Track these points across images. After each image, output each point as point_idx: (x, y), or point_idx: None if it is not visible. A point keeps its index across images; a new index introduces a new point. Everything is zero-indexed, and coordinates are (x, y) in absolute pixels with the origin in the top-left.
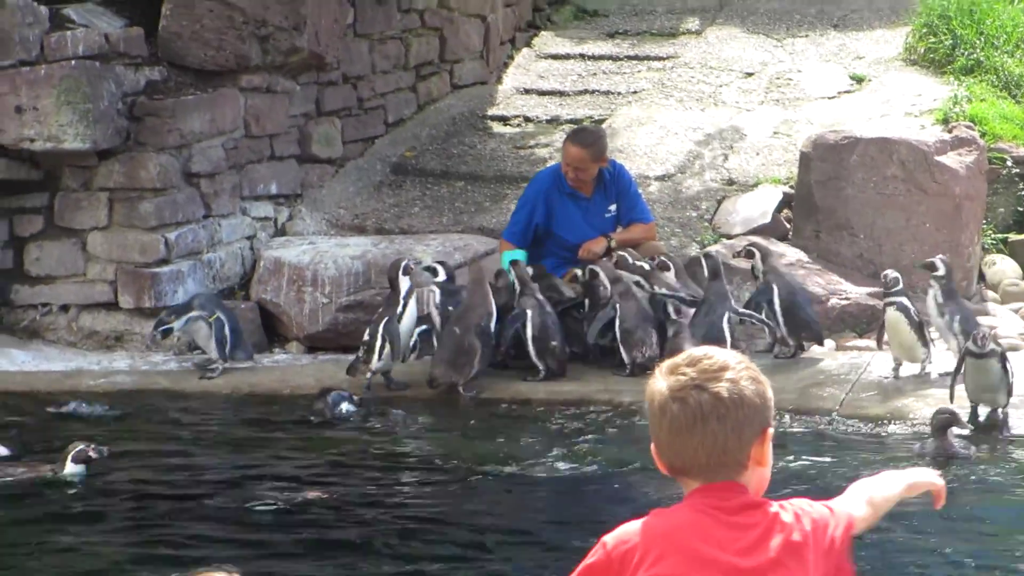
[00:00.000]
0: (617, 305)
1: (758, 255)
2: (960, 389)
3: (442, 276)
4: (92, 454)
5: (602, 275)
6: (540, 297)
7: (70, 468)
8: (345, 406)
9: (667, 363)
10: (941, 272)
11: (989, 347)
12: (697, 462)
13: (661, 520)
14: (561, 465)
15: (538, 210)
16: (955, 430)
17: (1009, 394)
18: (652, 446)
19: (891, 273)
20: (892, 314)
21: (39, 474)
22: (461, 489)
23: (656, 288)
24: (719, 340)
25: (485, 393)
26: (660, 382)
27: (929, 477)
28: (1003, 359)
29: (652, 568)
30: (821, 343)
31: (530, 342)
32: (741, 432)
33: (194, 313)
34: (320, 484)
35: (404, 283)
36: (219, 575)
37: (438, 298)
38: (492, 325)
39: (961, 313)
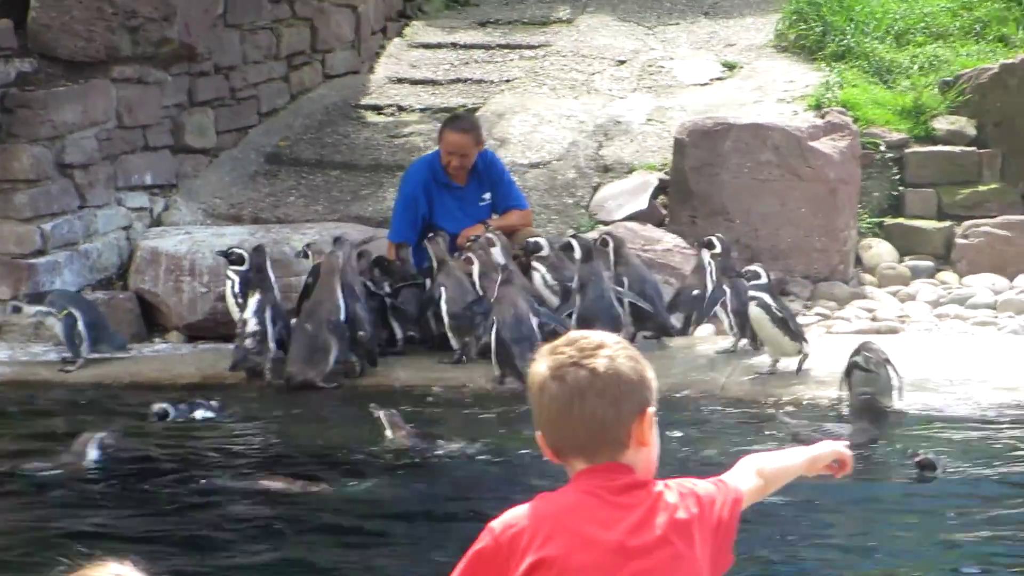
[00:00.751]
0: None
1: (611, 244)
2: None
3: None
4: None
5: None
6: (458, 274)
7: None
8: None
9: (547, 346)
10: (718, 250)
11: (877, 370)
12: (578, 440)
13: (547, 503)
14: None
15: (420, 203)
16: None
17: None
18: (537, 432)
19: (752, 268)
20: (754, 311)
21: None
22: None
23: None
24: (614, 317)
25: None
26: (540, 364)
27: (834, 447)
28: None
29: (540, 550)
30: (669, 335)
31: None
32: (620, 407)
33: (43, 308)
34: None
35: (271, 270)
36: (114, 565)
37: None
38: (342, 318)
39: (734, 289)
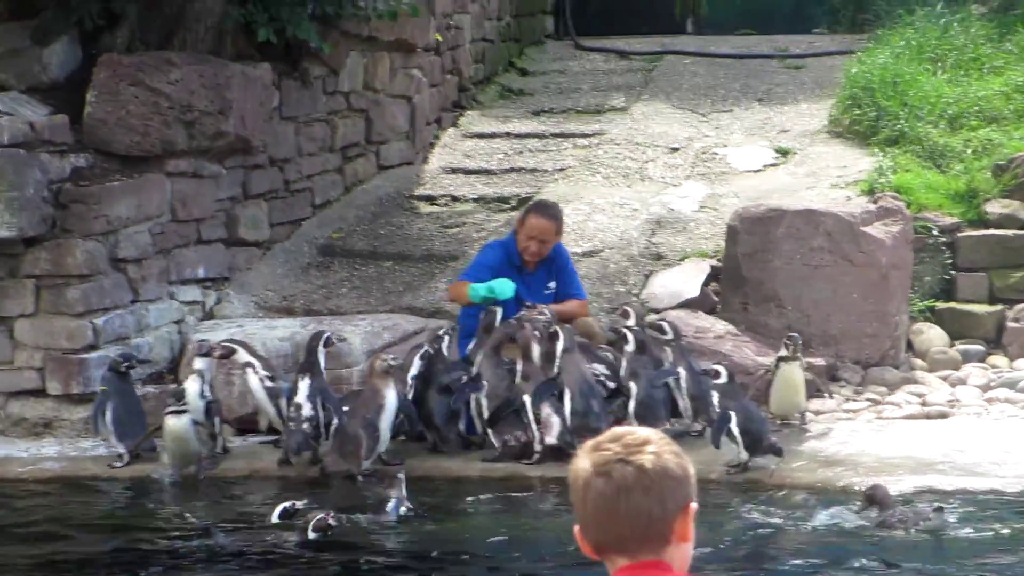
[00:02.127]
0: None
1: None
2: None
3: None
4: (331, 522)
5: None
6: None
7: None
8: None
9: (589, 442)
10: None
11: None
12: (623, 537)
13: None
14: None
15: (495, 274)
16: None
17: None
18: (576, 528)
19: (715, 367)
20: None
21: None
22: None
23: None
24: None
25: None
26: (583, 460)
27: None
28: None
29: None
30: None
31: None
32: (665, 504)
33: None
34: None
35: (322, 356)
36: None
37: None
38: (384, 418)
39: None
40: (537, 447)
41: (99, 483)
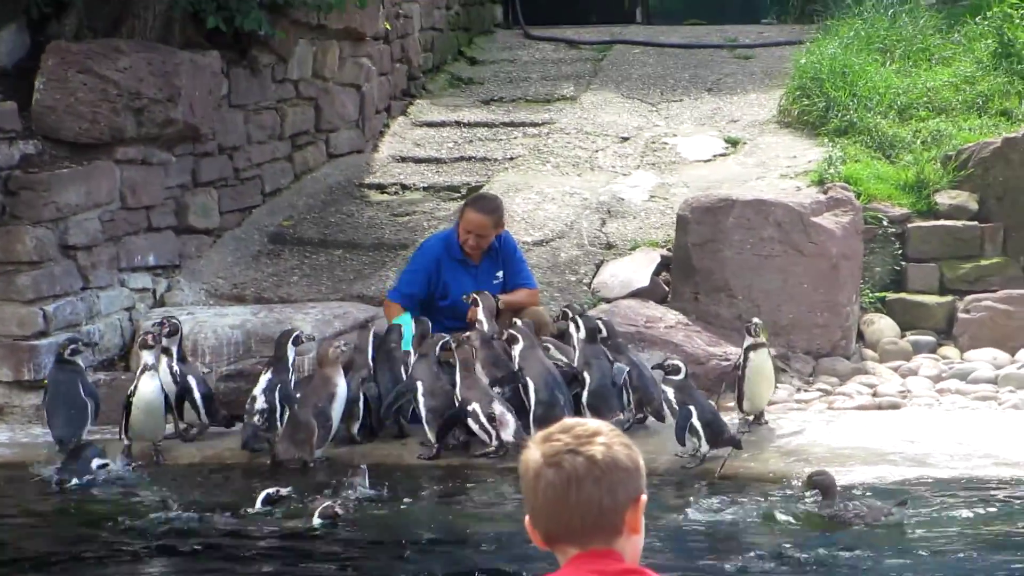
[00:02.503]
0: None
1: (605, 331)
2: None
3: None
4: (338, 510)
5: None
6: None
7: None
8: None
9: (540, 433)
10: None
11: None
12: (573, 527)
13: None
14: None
15: (431, 277)
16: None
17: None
18: (527, 519)
19: (674, 362)
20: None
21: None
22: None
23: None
24: (620, 399)
25: None
26: (534, 451)
27: None
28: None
29: None
30: (662, 419)
31: (423, 412)
32: (616, 495)
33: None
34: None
35: (291, 352)
36: None
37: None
38: (334, 406)
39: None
40: (493, 443)
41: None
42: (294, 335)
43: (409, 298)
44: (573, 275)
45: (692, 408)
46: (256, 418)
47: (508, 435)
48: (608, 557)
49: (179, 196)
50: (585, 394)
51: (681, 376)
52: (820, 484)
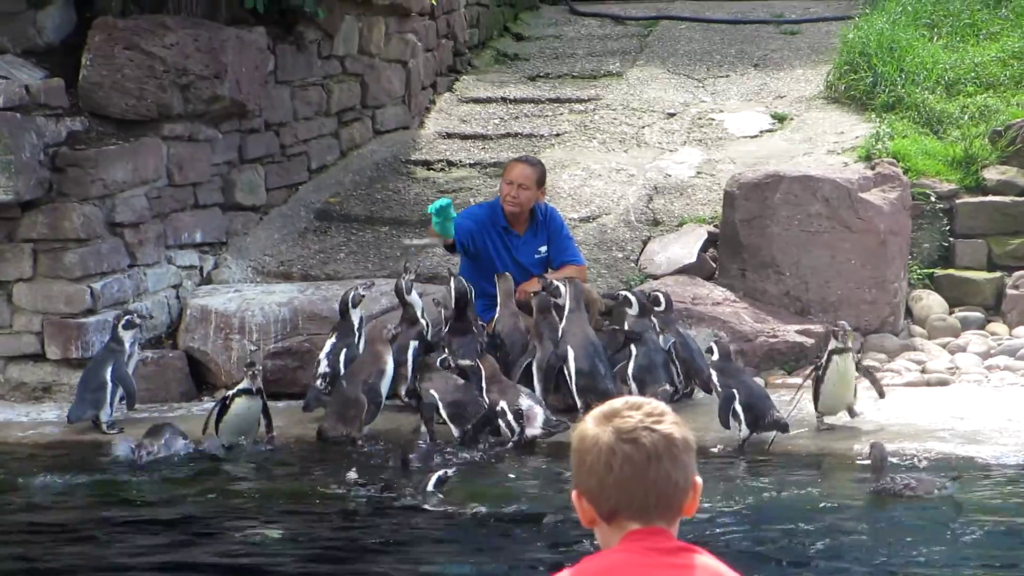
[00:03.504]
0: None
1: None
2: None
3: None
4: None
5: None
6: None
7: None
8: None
9: (600, 411)
10: (662, 307)
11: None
12: (646, 503)
13: (596, 562)
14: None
15: (475, 232)
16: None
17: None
18: (575, 494)
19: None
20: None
21: None
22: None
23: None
24: (669, 372)
25: None
26: (602, 427)
27: None
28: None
29: None
30: (709, 392)
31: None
32: (686, 474)
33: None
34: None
35: (355, 315)
36: None
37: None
38: (383, 383)
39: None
40: (514, 439)
41: (100, 448)
42: (352, 295)
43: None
44: (620, 252)
45: (735, 391)
46: (319, 381)
47: (534, 429)
48: (661, 535)
49: (225, 173)
50: (632, 366)
51: (714, 357)
52: (872, 456)
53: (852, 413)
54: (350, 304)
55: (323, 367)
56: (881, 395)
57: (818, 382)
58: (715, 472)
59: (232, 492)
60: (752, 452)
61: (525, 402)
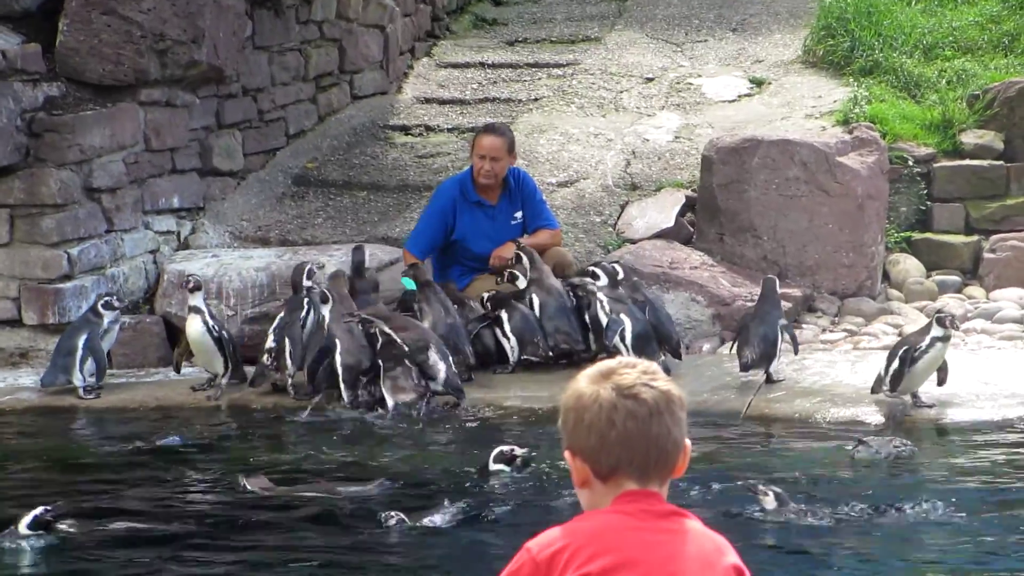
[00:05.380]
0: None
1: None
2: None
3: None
4: (517, 452)
5: (525, 262)
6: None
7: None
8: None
9: (595, 369)
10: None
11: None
12: (646, 460)
13: (589, 522)
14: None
15: (448, 220)
16: None
17: None
18: (570, 455)
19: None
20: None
21: None
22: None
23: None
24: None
25: None
26: (600, 385)
27: None
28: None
29: (582, 568)
30: (679, 358)
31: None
32: (682, 432)
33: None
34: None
35: (307, 287)
36: None
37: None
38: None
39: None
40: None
41: (77, 413)
42: (307, 268)
43: (425, 247)
44: (598, 216)
45: (624, 316)
46: (265, 357)
47: (437, 385)
48: (653, 497)
49: (203, 138)
50: (629, 336)
51: (601, 283)
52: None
53: (916, 398)
54: (304, 278)
55: (270, 342)
56: (796, 352)
57: (909, 363)
58: (696, 437)
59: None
60: (730, 417)
61: (432, 355)
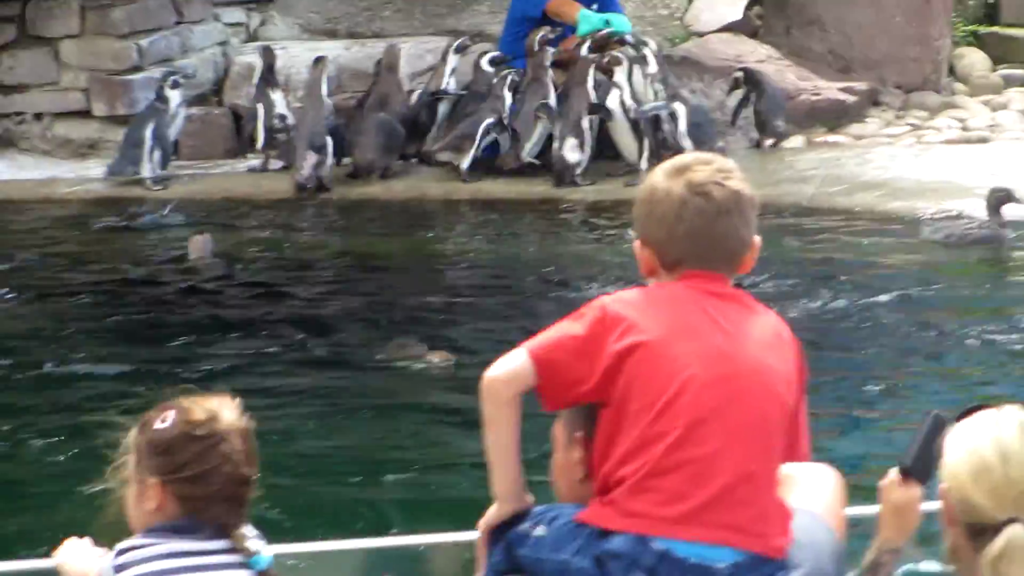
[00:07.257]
0: None
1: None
2: None
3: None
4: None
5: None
6: None
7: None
8: None
9: (669, 165)
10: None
11: None
12: (712, 254)
13: (658, 293)
14: None
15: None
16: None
17: None
18: (639, 244)
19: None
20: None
21: None
22: None
23: None
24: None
25: None
26: (672, 179)
27: None
28: None
29: (642, 333)
30: None
31: None
32: (750, 230)
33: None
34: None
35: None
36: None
37: None
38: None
39: None
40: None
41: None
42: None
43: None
44: (665, 9)
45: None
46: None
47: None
48: (721, 280)
49: None
50: (683, 124)
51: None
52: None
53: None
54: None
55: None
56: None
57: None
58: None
59: None
60: (794, 211)
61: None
